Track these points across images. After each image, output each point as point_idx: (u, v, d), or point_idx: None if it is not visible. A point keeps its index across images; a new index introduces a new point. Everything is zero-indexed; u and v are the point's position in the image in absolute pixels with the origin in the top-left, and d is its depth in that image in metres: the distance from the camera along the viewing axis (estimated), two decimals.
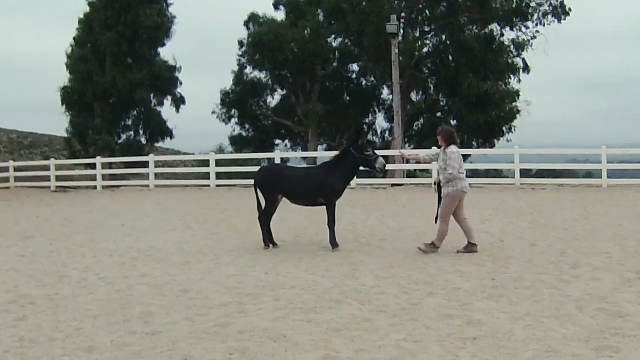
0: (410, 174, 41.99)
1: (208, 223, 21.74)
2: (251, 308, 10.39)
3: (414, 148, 48.07)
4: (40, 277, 13.53)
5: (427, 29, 50.34)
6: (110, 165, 44.60)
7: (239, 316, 9.96)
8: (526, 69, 48.70)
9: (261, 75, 54.73)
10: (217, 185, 36.50)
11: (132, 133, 54.33)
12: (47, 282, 13.01)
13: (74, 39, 51.90)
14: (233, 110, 54.88)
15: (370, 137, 53.57)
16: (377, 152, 16.35)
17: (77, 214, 26.54)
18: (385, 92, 53.15)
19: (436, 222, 15.28)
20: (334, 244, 15.59)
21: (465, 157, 44.74)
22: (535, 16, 47.00)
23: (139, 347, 8.69)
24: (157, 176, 39.31)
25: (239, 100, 54.01)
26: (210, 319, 9.88)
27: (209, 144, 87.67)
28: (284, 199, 16.38)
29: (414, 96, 51.79)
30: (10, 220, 24.98)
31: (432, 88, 52.05)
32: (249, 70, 54.39)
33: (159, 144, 57.69)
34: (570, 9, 46.49)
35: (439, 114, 51.67)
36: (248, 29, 52.87)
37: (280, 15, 54.31)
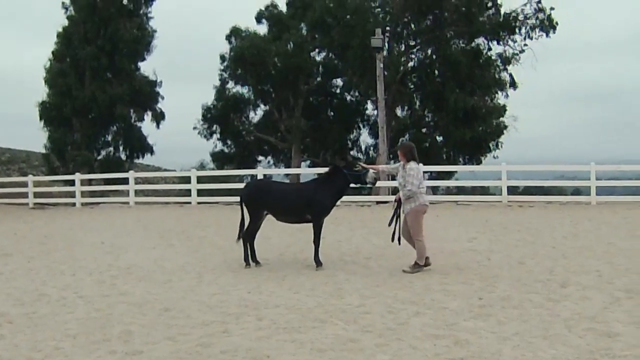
0: (396, 191, 41.84)
1: (190, 240, 21.55)
2: (234, 327, 10.28)
3: None
4: (18, 295, 13.38)
5: (412, 42, 50.23)
6: (89, 182, 44.28)
7: (222, 336, 9.86)
8: (513, 84, 48.68)
9: (243, 90, 54.49)
10: (199, 202, 36.25)
11: (111, 149, 53.86)
12: (25, 301, 12.88)
13: (53, 52, 51.41)
14: (215, 126, 54.59)
15: (354, 153, 53.52)
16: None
17: (55, 231, 26.29)
18: (370, 107, 53.06)
19: (392, 240, 15.12)
20: (318, 262, 15.40)
21: (451, 174, 44.92)
22: (523, 30, 47.04)
23: None
24: (137, 193, 39.06)
25: (221, 115, 53.75)
26: (192, 338, 9.79)
27: (190, 160, 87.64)
28: (269, 215, 16.16)
29: (399, 111, 51.68)
30: None
31: (418, 103, 51.84)
32: (230, 85, 54.17)
33: (139, 160, 57.35)
34: (557, 22, 46.57)
35: (424, 130, 51.55)
36: (230, 42, 52.69)
37: (262, 29, 54.10)
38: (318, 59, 52.76)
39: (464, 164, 48.75)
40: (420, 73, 50.25)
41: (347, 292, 12.66)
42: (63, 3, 51.42)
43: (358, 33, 44.79)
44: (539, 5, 46.16)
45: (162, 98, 53.68)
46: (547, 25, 46.33)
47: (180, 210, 33.82)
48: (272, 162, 56.81)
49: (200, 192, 37.19)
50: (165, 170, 64.73)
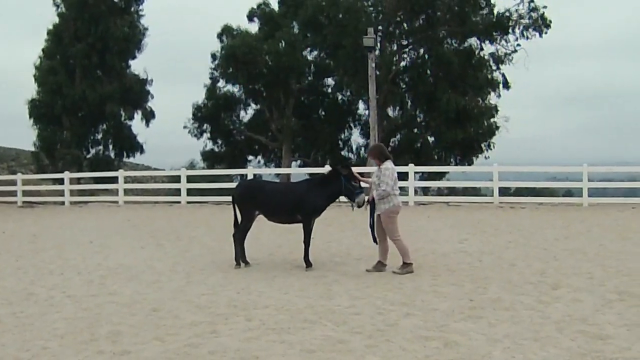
0: None
1: (179, 240, 21.45)
2: (222, 328, 10.21)
3: None
4: (6, 295, 13.29)
5: (404, 42, 50.35)
6: (78, 181, 44.17)
7: (210, 336, 9.79)
8: (506, 84, 48.69)
9: (234, 89, 54.49)
10: (188, 202, 36.15)
11: (101, 147, 53.95)
12: (13, 300, 12.79)
13: (43, 50, 51.44)
14: (205, 125, 54.55)
15: (345, 153, 53.56)
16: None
17: (44, 230, 26.20)
18: (361, 107, 53.23)
19: (375, 242, 15.11)
20: (307, 263, 15.34)
21: (443, 175, 44.94)
22: (517, 29, 47.09)
23: None
24: (127, 192, 38.90)
25: (211, 114, 53.70)
26: (181, 338, 9.72)
27: (180, 159, 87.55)
28: (259, 216, 16.09)
29: (390, 111, 51.69)
30: None
31: (409, 103, 51.85)
32: (221, 83, 54.17)
33: (129, 159, 57.37)
34: (550, 21, 46.60)
35: (416, 130, 51.56)
36: (221, 41, 52.72)
37: (254, 28, 54.26)
38: (310, 58, 52.86)
39: (456, 164, 48.87)
40: (412, 73, 50.27)
41: (336, 293, 12.58)
42: (54, 0, 51.38)
43: (350, 32, 44.85)
44: (532, 4, 46.23)
45: (153, 97, 53.92)
46: (541, 25, 46.40)
47: (170, 209, 33.74)
48: (262, 161, 56.83)
49: (190, 192, 37.10)
50: (155, 169, 64.64)
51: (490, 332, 9.62)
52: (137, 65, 62.79)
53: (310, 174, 34.57)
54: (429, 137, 50.95)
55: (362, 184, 15.18)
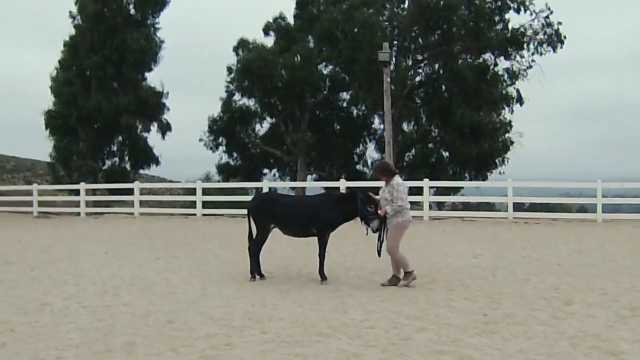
0: None
1: (194, 252, 21.47)
2: (237, 341, 10.24)
3: (405, 179, 47.72)
4: (20, 304, 13.34)
5: (419, 57, 50.19)
6: (94, 192, 44.20)
7: (225, 348, 9.81)
8: (520, 100, 48.53)
9: (250, 103, 54.32)
10: (204, 214, 36.19)
11: (116, 159, 53.92)
12: (27, 309, 12.84)
13: (59, 61, 51.43)
14: (221, 138, 54.44)
15: (360, 167, 53.45)
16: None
17: (59, 240, 26.25)
18: (377, 121, 52.97)
19: (379, 255, 15.15)
20: (322, 276, 15.36)
21: (457, 190, 44.88)
22: (531, 45, 47.02)
23: None
24: (142, 204, 38.96)
25: (227, 127, 53.67)
26: (195, 350, 9.75)
27: (195, 171, 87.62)
28: (275, 229, 16.12)
29: (405, 126, 51.48)
30: None
31: (424, 118, 51.58)
32: (237, 97, 54.04)
33: (144, 171, 57.37)
34: (565, 37, 46.54)
35: (430, 145, 51.33)
36: (237, 54, 52.63)
37: (270, 41, 54.19)
38: (325, 72, 52.72)
39: (470, 179, 48.69)
40: (427, 88, 50.17)
41: (351, 306, 12.59)
42: (70, 12, 51.65)
43: (365, 47, 44.76)
44: (547, 20, 46.16)
45: (168, 109, 53.77)
46: (555, 40, 46.31)
47: (185, 221, 33.79)
48: (277, 175, 56.66)
49: (206, 204, 37.08)
50: (171, 181, 64.71)
51: (504, 347, 9.61)
52: (153, 78, 63.10)
53: (326, 188, 34.60)
54: (443, 152, 50.76)
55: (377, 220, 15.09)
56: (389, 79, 37.08)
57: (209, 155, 55.17)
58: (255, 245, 16.09)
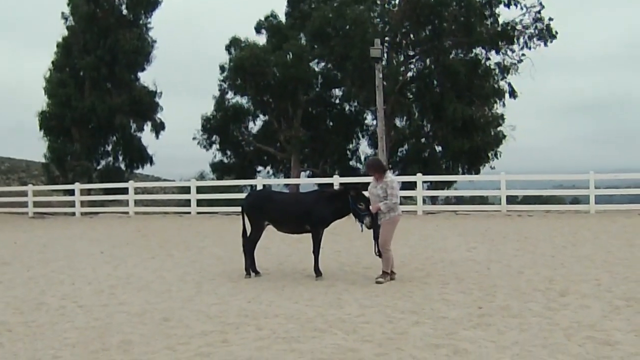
0: None
1: (189, 250, 21.50)
2: (233, 337, 10.26)
3: (399, 174, 47.79)
4: (17, 304, 13.38)
5: (411, 52, 50.33)
6: (88, 192, 44.12)
7: (221, 345, 9.84)
8: (512, 93, 48.61)
9: (243, 101, 54.30)
10: (198, 213, 36.22)
11: (111, 159, 53.76)
12: (24, 309, 12.87)
13: (53, 62, 51.29)
14: (214, 136, 54.40)
15: (353, 163, 53.46)
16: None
17: (55, 240, 26.25)
18: (369, 117, 53.02)
19: (379, 256, 15.06)
20: (317, 272, 15.40)
21: (451, 184, 45.02)
22: (521, 39, 47.13)
23: None
24: (137, 203, 38.96)
25: (220, 125, 53.63)
26: (191, 348, 9.77)
27: (189, 170, 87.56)
28: (270, 226, 16.16)
29: (398, 121, 51.64)
30: None
31: (417, 113, 51.67)
32: (230, 95, 54.06)
33: (139, 170, 57.20)
34: (556, 32, 46.66)
35: (423, 140, 51.47)
36: (229, 53, 52.62)
37: (262, 39, 54.16)
38: (317, 69, 52.80)
39: (463, 173, 48.74)
40: (419, 83, 50.29)
41: (346, 301, 12.63)
42: (63, 13, 51.50)
43: (357, 43, 44.78)
44: (538, 15, 46.24)
45: (162, 108, 53.59)
46: (546, 35, 46.41)
47: (180, 220, 33.79)
48: (271, 172, 56.76)
49: (200, 203, 37.12)
50: (165, 180, 64.61)
51: (499, 340, 9.66)
52: (146, 78, 62.93)
53: (319, 184, 34.61)
54: (436, 147, 50.88)
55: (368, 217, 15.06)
56: (381, 75, 37.09)
57: (203, 154, 55.35)
58: (249, 243, 16.13)
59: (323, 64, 52.60)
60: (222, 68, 52.91)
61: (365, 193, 15.26)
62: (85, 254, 21.42)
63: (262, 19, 54.52)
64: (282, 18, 54.64)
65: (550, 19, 46.39)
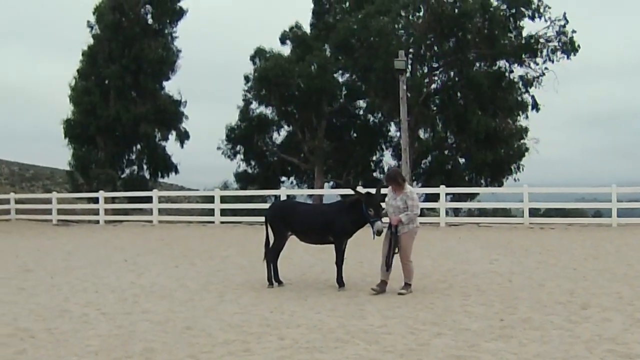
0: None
1: (212, 260, 21.55)
2: (255, 347, 10.27)
3: (422, 186, 47.87)
4: (40, 311, 13.39)
5: (435, 65, 50.24)
6: (113, 200, 44.31)
7: (243, 355, 9.85)
8: (535, 106, 48.48)
9: (267, 111, 54.43)
10: (222, 222, 36.27)
11: (135, 167, 54.01)
12: (47, 316, 12.89)
13: (78, 71, 51.64)
14: (238, 146, 54.51)
15: (377, 174, 53.40)
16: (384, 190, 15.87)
17: (78, 248, 26.35)
18: (393, 129, 52.99)
19: (388, 268, 14.93)
20: (340, 283, 15.41)
21: (473, 196, 44.93)
22: (544, 52, 46.99)
23: None
24: (161, 211, 39.05)
25: (245, 136, 53.76)
26: (214, 356, 9.79)
27: (213, 179, 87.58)
28: (292, 236, 16.19)
29: (421, 133, 51.57)
30: (10, 253, 24.86)
31: (440, 125, 51.69)
32: (254, 105, 54.17)
33: (163, 179, 57.43)
34: (579, 45, 46.51)
35: (446, 152, 51.45)
36: (254, 63, 52.76)
37: (286, 50, 54.34)
38: (341, 80, 52.84)
39: (486, 186, 48.67)
40: (442, 95, 50.22)
41: (368, 312, 12.64)
42: (88, 22, 51.88)
43: (381, 55, 44.78)
44: (562, 28, 46.12)
45: (187, 118, 53.78)
46: (569, 48, 46.27)
47: (203, 229, 33.87)
48: (295, 182, 56.79)
49: (224, 212, 37.22)
50: (189, 189, 64.81)
51: (520, 352, 9.65)
52: (171, 87, 63.15)
53: (342, 195, 34.70)
54: (459, 159, 50.87)
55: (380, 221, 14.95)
56: (404, 87, 37.07)
57: (227, 164, 55.29)
58: (272, 253, 16.15)
59: (347, 75, 52.62)
60: (246, 78, 53.06)
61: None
62: (109, 261, 21.50)
63: (287, 29, 54.64)
64: (307, 29, 54.78)
65: (574, 32, 46.27)
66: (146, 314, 12.91)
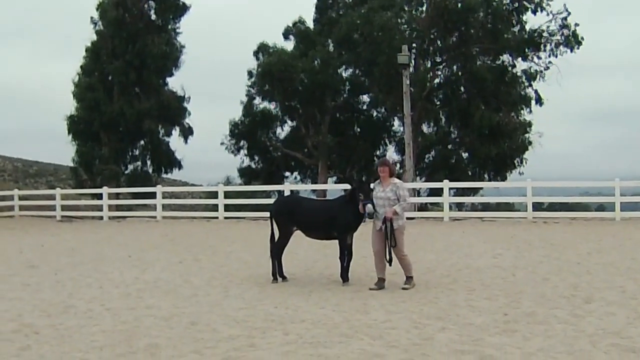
0: (422, 207, 41.54)
1: (216, 255, 21.57)
2: (260, 342, 10.28)
3: (425, 181, 47.97)
4: (44, 307, 13.42)
5: (438, 59, 50.19)
6: (116, 196, 44.22)
7: (248, 350, 9.85)
8: (539, 100, 48.40)
9: (270, 106, 54.62)
10: (225, 217, 36.32)
11: (139, 163, 54.12)
12: (51, 312, 12.92)
13: (81, 67, 51.68)
14: (242, 142, 54.63)
15: None
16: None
17: (82, 244, 26.35)
18: (396, 123, 53.06)
19: (390, 264, 14.82)
20: (344, 278, 15.42)
21: (477, 190, 44.92)
22: (548, 46, 46.87)
23: None
24: (165, 207, 39.09)
25: (248, 131, 53.85)
26: (218, 352, 9.79)
27: (217, 175, 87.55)
28: (298, 231, 16.19)
29: (425, 128, 51.63)
30: (14, 249, 24.89)
31: (444, 119, 51.86)
32: (258, 100, 54.36)
33: (167, 175, 57.42)
34: (582, 38, 46.37)
35: (450, 146, 51.55)
36: (257, 59, 52.89)
37: (289, 45, 54.45)
38: (345, 75, 52.91)
39: (489, 180, 48.66)
40: (446, 89, 50.26)
41: (372, 307, 12.65)
42: (92, 18, 51.88)
43: (384, 50, 44.73)
44: (564, 21, 46.00)
45: (190, 113, 53.85)
46: (572, 42, 46.11)
47: (207, 225, 33.91)
48: (298, 177, 56.81)
49: (227, 207, 37.25)
50: (193, 185, 64.81)
51: (524, 346, 9.65)
52: (175, 82, 63.05)
53: (346, 190, 34.71)
54: (463, 153, 50.92)
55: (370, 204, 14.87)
56: (408, 82, 37.14)
57: (231, 159, 55.30)
58: (277, 248, 16.15)
59: (350, 70, 52.67)
60: (250, 73, 53.19)
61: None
62: (113, 257, 21.52)
63: (290, 25, 54.81)
64: (310, 24, 54.88)
65: (577, 25, 46.10)
66: (150, 310, 12.93)
